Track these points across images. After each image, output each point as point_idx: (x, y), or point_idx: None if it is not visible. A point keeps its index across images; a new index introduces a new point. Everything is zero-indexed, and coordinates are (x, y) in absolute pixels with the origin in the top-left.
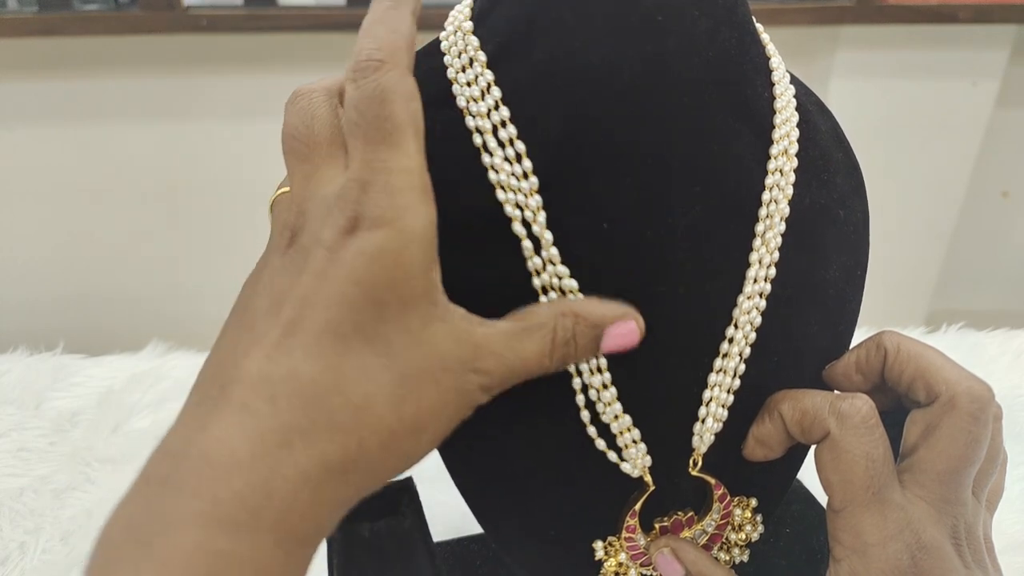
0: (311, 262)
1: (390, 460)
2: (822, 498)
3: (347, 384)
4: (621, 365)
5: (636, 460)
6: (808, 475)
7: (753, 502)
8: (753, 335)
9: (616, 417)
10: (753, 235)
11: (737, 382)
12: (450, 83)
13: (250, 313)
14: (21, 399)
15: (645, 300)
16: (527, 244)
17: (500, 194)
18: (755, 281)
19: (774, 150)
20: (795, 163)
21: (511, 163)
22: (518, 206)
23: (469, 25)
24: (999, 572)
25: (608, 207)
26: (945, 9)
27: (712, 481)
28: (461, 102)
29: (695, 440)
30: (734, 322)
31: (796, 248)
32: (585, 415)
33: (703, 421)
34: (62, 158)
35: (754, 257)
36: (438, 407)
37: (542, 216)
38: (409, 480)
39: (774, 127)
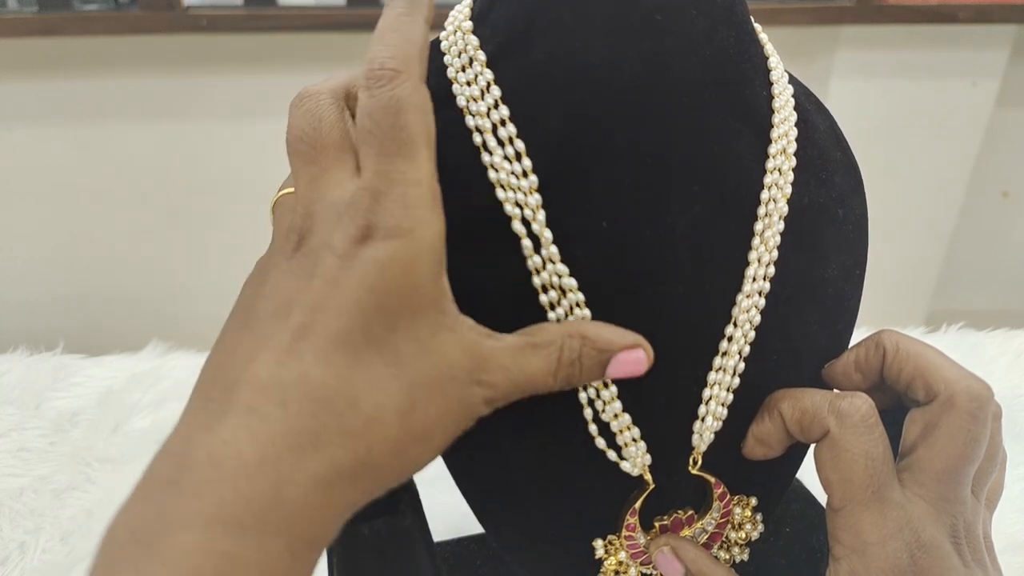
0: (321, 268)
1: (397, 466)
2: (822, 497)
3: (358, 391)
4: None
5: (636, 459)
6: (808, 474)
7: (753, 501)
8: (752, 334)
9: (616, 416)
10: (752, 234)
11: (737, 381)
12: (450, 83)
13: (255, 316)
14: (21, 399)
15: (644, 299)
16: (527, 243)
17: (500, 193)
18: (754, 280)
19: (773, 149)
20: (794, 162)
21: (511, 162)
22: (517, 205)
23: (469, 25)
24: (998, 571)
25: (607, 206)
26: (945, 9)
27: (712, 480)
28: (461, 101)
29: (695, 439)
30: (733, 321)
31: (795, 247)
32: (586, 413)
33: (703, 420)
34: (62, 158)
35: (753, 256)
36: (444, 417)
37: (541, 215)
38: (409, 480)
39: (772, 126)
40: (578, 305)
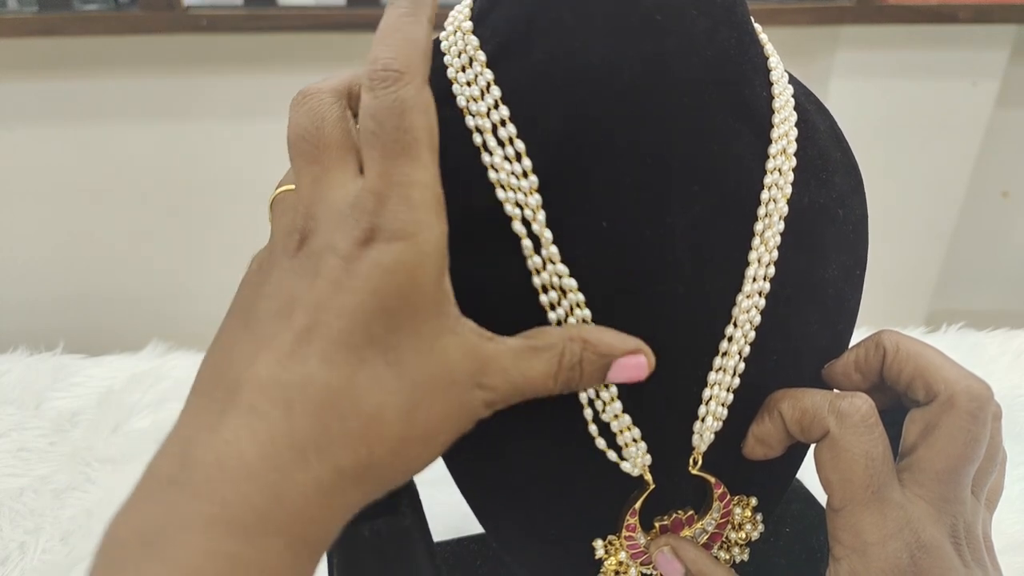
0: (324, 269)
1: (397, 468)
2: (822, 497)
3: (360, 393)
4: None
5: (636, 459)
6: (808, 475)
7: (753, 501)
8: (752, 334)
9: (616, 416)
10: (752, 234)
11: (737, 381)
12: (450, 83)
13: (257, 316)
14: (21, 399)
15: (644, 299)
16: (527, 243)
17: (500, 193)
18: (754, 280)
19: (773, 149)
20: (794, 162)
21: (511, 162)
22: (518, 205)
23: (469, 25)
24: (998, 571)
25: (607, 206)
26: (945, 9)
27: (712, 480)
28: (461, 102)
29: (695, 439)
30: (733, 321)
31: (795, 247)
32: (587, 413)
33: (703, 420)
34: (62, 158)
35: (753, 256)
36: (444, 419)
37: (541, 215)
38: (409, 480)
39: (773, 126)
40: (578, 305)
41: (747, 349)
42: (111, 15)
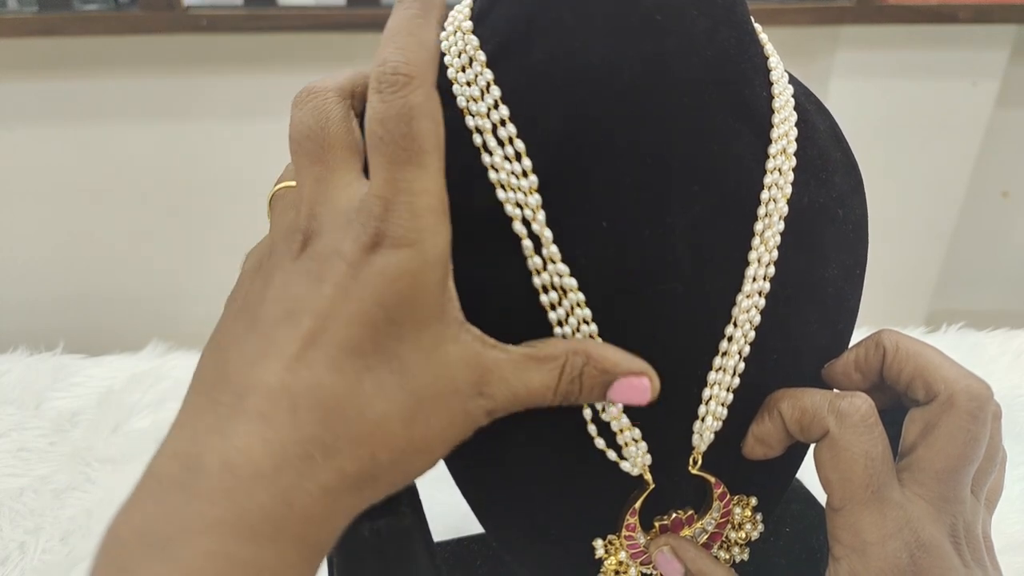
0: (330, 274)
1: (397, 474)
2: (822, 497)
3: (365, 401)
4: None
5: (636, 458)
6: (808, 475)
7: (753, 501)
8: (752, 334)
9: (616, 416)
10: (752, 234)
11: (736, 381)
12: (450, 83)
13: (261, 318)
14: (21, 399)
15: (644, 299)
16: (527, 243)
17: (500, 193)
18: (754, 280)
19: (773, 149)
20: (794, 162)
21: (511, 162)
22: (518, 205)
23: (469, 25)
24: (998, 571)
25: (607, 206)
26: (945, 9)
27: (712, 479)
28: (461, 102)
29: (695, 438)
30: (733, 321)
31: (795, 247)
32: (586, 413)
33: (703, 420)
34: (62, 158)
35: (753, 256)
36: (446, 427)
37: (541, 215)
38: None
39: (772, 126)
40: (578, 305)
41: (747, 349)
42: (111, 15)
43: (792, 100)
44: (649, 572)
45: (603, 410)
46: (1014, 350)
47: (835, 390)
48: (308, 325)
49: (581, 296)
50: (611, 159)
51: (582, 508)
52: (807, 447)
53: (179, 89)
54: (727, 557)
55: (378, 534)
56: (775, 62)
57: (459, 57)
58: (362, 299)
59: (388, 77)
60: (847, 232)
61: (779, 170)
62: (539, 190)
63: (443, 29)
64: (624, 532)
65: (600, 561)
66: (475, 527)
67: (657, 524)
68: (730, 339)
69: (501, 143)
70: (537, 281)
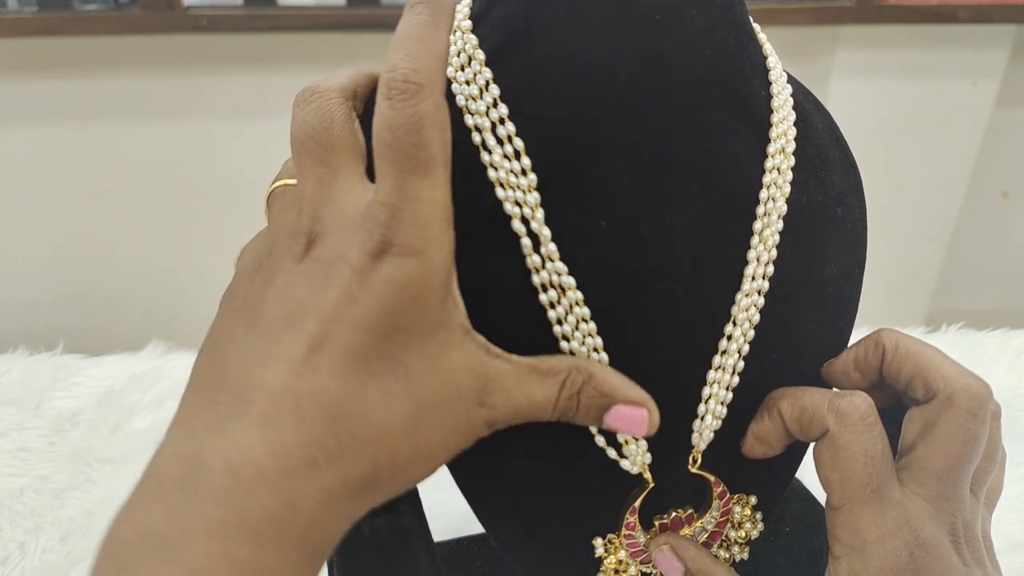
0: (335, 279)
1: (398, 481)
2: (822, 497)
3: (369, 407)
4: (621, 362)
5: (636, 457)
6: (808, 474)
7: (753, 499)
8: (752, 333)
9: None
10: (751, 233)
11: (736, 380)
12: (449, 82)
13: (264, 320)
14: (21, 399)
15: (644, 298)
16: (526, 241)
17: (499, 191)
18: (753, 279)
19: (771, 148)
20: (792, 161)
21: (509, 160)
22: (517, 203)
23: (468, 24)
24: (998, 570)
25: (607, 205)
26: (945, 9)
27: (711, 478)
28: (460, 101)
29: (694, 437)
30: (733, 320)
31: (794, 246)
32: None
33: (702, 418)
34: (62, 158)
35: (752, 255)
36: (447, 436)
37: (540, 213)
38: None
39: (771, 125)
40: (577, 304)
41: (746, 348)
42: (111, 15)
43: (791, 99)
44: (649, 571)
45: None
46: (1014, 350)
47: (834, 389)
48: (313, 330)
49: (579, 295)
50: (610, 158)
51: (582, 507)
52: (807, 446)
53: (179, 89)
54: (727, 556)
55: (378, 533)
56: (773, 61)
57: (458, 56)
58: (368, 305)
59: (398, 84)
60: (846, 231)
61: (778, 169)
62: (538, 189)
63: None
64: (624, 531)
65: (600, 560)
66: (475, 527)
67: (657, 523)
68: (730, 338)
69: (500, 141)
70: (536, 280)
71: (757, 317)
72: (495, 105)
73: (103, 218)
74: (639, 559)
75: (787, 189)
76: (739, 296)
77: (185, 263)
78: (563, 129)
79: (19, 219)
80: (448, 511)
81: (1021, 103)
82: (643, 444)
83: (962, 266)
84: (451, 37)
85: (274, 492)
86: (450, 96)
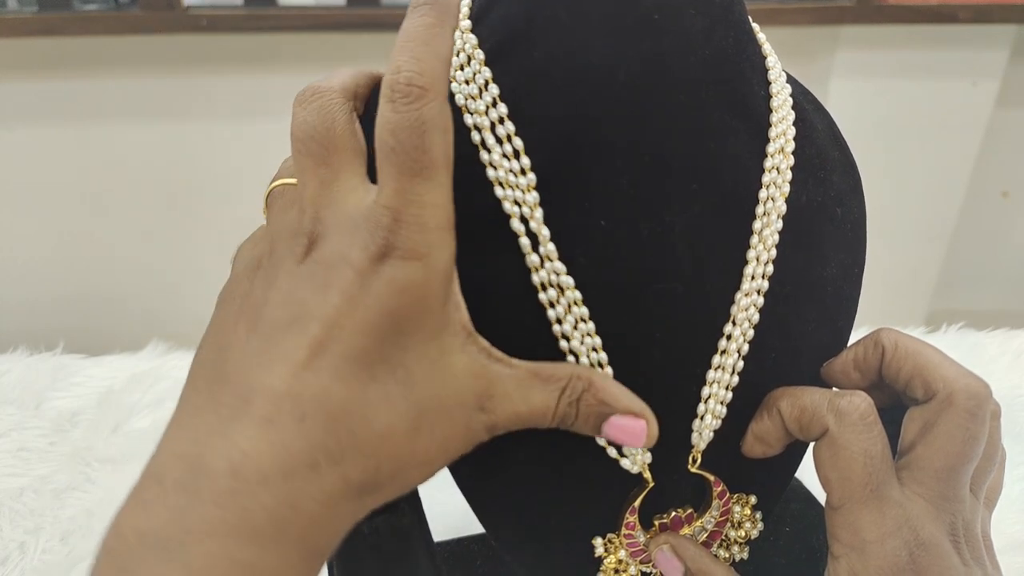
0: (338, 281)
1: (398, 484)
2: (821, 497)
3: (371, 411)
4: (621, 361)
5: (636, 456)
6: (808, 474)
7: (752, 499)
8: (751, 332)
9: None
10: (751, 233)
11: (736, 379)
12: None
13: (265, 321)
14: (21, 399)
15: (644, 298)
16: (524, 240)
17: (498, 191)
18: (753, 279)
19: (771, 148)
20: (792, 161)
21: (508, 159)
22: (516, 202)
23: (467, 23)
24: (998, 570)
25: (606, 205)
26: (945, 9)
27: (711, 478)
28: (459, 100)
29: (694, 437)
30: (732, 319)
31: (794, 246)
32: None
33: (702, 418)
34: (62, 158)
35: (752, 255)
36: (447, 440)
37: (539, 212)
38: None
39: (771, 125)
40: (575, 303)
41: (746, 347)
42: (111, 15)
43: (790, 99)
44: (649, 570)
45: None
46: (1014, 350)
47: (834, 389)
48: (315, 332)
49: (578, 295)
50: (610, 158)
51: (582, 506)
52: (806, 446)
53: (179, 89)
54: (727, 556)
55: (377, 532)
56: (773, 61)
57: (457, 55)
58: (370, 308)
59: (402, 87)
60: (846, 231)
61: (777, 169)
62: (538, 189)
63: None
64: (624, 531)
65: (600, 560)
66: (475, 527)
67: (657, 522)
68: (729, 338)
69: (499, 140)
70: (536, 278)
71: (757, 317)
72: (494, 104)
73: (103, 218)
74: (639, 559)
75: (786, 189)
76: (739, 296)
77: (185, 263)
78: (563, 129)
79: (19, 219)
80: (448, 511)
81: (1021, 103)
82: None
83: (962, 266)
84: None
85: (275, 493)
86: (449, 95)
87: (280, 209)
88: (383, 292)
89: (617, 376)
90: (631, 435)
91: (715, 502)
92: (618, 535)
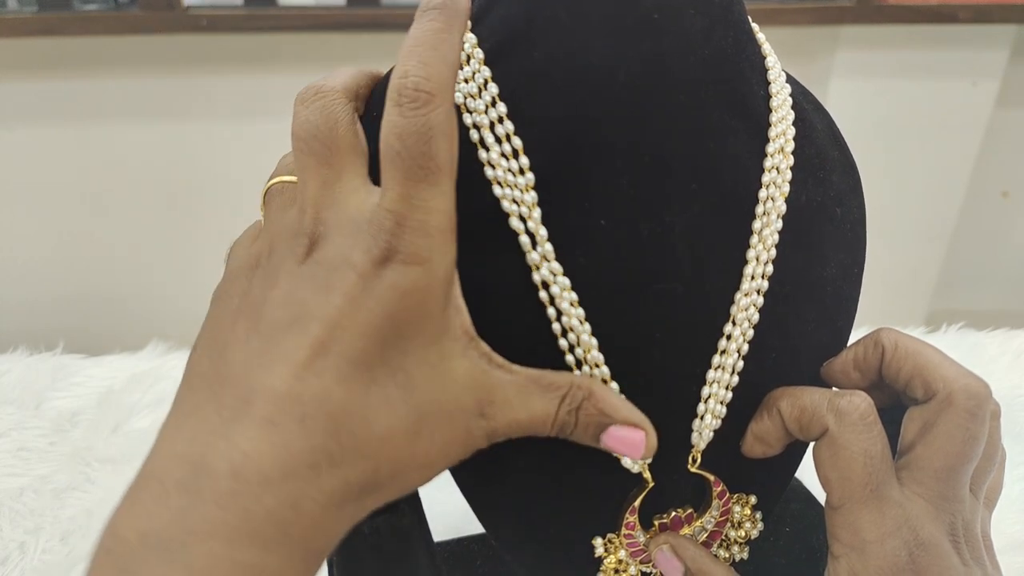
0: (340, 283)
1: (397, 486)
2: (821, 497)
3: (371, 413)
4: (621, 361)
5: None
6: (808, 474)
7: (752, 499)
8: (751, 332)
9: None
10: (750, 232)
11: (735, 379)
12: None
13: (264, 321)
14: (21, 399)
15: (643, 298)
16: (524, 239)
17: (496, 190)
18: (753, 278)
19: (770, 148)
20: (791, 161)
21: (507, 159)
22: (514, 201)
23: (467, 23)
24: (997, 570)
25: (606, 205)
26: (945, 9)
27: (711, 478)
28: (459, 99)
29: (694, 437)
30: (732, 319)
31: (793, 246)
32: None
33: (702, 418)
34: (62, 158)
35: (751, 254)
36: (447, 445)
37: (537, 212)
38: None
39: (770, 125)
40: (573, 304)
41: (746, 347)
42: (111, 15)
43: (789, 99)
44: (649, 571)
45: None
46: (1014, 350)
47: (834, 388)
48: (317, 333)
49: (574, 296)
50: (610, 158)
51: (582, 506)
52: (806, 445)
53: (179, 89)
54: (727, 556)
55: (378, 533)
56: (772, 61)
57: None
58: (372, 311)
59: (409, 92)
60: (845, 231)
61: (777, 169)
62: (537, 189)
63: None
64: (624, 531)
65: (600, 560)
66: (475, 527)
67: (657, 522)
68: (729, 338)
69: (498, 140)
70: (536, 277)
71: (756, 317)
72: (493, 104)
73: (103, 218)
74: (639, 559)
75: (786, 189)
76: (738, 296)
77: (185, 263)
78: (563, 129)
79: (19, 219)
80: (448, 511)
81: (1021, 103)
82: None
83: (962, 266)
84: None
85: (276, 494)
86: None
87: (279, 207)
88: (385, 296)
89: (616, 376)
90: (630, 446)
91: (715, 502)
92: (618, 535)
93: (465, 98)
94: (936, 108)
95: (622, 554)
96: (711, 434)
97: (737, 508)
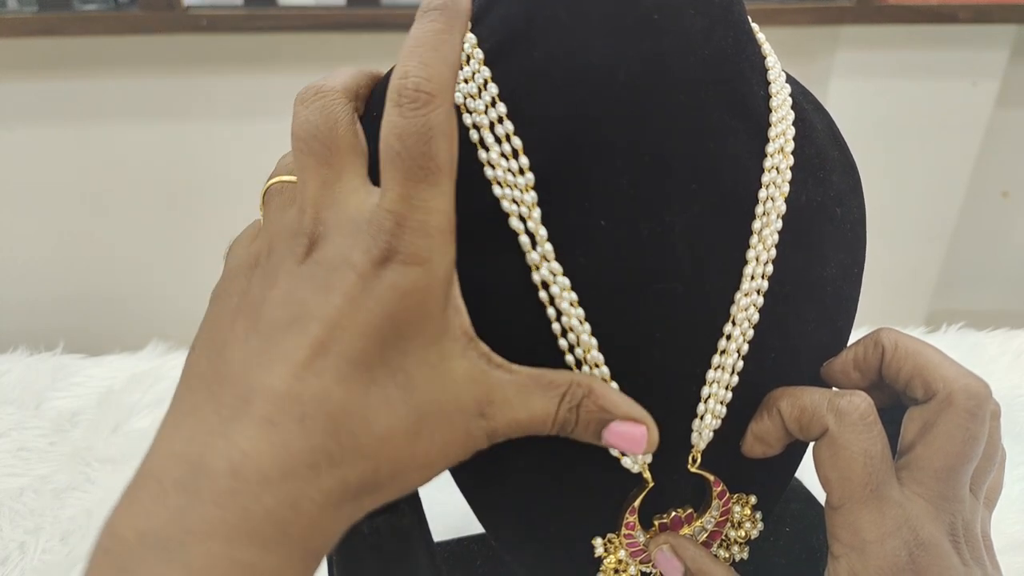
0: (340, 283)
1: (396, 487)
2: (821, 497)
3: (371, 414)
4: (620, 361)
5: (636, 455)
6: (808, 474)
7: (752, 499)
8: (751, 332)
9: None
10: (750, 232)
11: (735, 379)
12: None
13: (263, 320)
14: (21, 399)
15: (643, 298)
16: (523, 239)
17: (497, 190)
18: (753, 278)
19: (770, 148)
20: (791, 161)
21: (507, 159)
22: (514, 201)
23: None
24: (997, 570)
25: (606, 205)
26: (945, 9)
27: (711, 478)
28: (459, 99)
29: (694, 437)
30: (732, 319)
31: (793, 246)
32: None
33: (702, 418)
34: (62, 158)
35: (751, 255)
36: (447, 445)
37: (537, 212)
38: None
39: (770, 125)
40: (573, 304)
41: (746, 347)
42: (111, 15)
43: (789, 99)
44: (649, 571)
45: None
46: (1014, 350)
47: (834, 388)
48: (316, 333)
49: (574, 295)
50: (610, 158)
51: (582, 506)
52: (806, 445)
53: (179, 89)
54: (727, 556)
55: (378, 533)
56: (772, 61)
57: None
58: (372, 312)
59: (410, 92)
60: (845, 231)
61: (777, 169)
62: (537, 189)
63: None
64: (624, 531)
65: (600, 560)
66: (475, 527)
67: (656, 522)
68: (729, 338)
69: (498, 140)
70: (537, 277)
71: (756, 317)
72: (493, 104)
73: (103, 218)
74: (639, 559)
75: (786, 189)
76: (738, 296)
77: (185, 263)
78: (563, 129)
79: (19, 219)
80: (448, 511)
81: (1021, 103)
82: None
83: (962, 266)
84: None
85: (275, 493)
86: None
87: (278, 207)
88: (384, 296)
89: (616, 376)
90: (631, 441)
91: (715, 502)
92: (618, 535)
93: (465, 98)
94: (936, 108)
95: (622, 554)
96: (711, 434)
97: (737, 508)
